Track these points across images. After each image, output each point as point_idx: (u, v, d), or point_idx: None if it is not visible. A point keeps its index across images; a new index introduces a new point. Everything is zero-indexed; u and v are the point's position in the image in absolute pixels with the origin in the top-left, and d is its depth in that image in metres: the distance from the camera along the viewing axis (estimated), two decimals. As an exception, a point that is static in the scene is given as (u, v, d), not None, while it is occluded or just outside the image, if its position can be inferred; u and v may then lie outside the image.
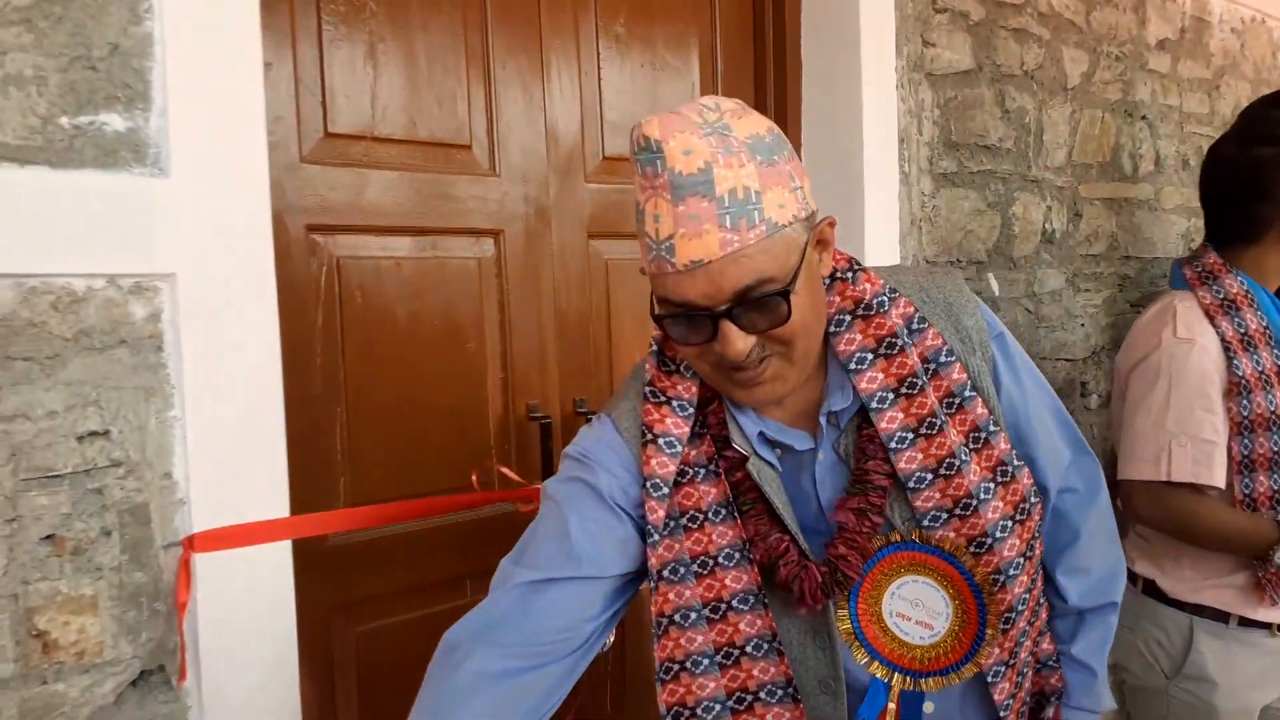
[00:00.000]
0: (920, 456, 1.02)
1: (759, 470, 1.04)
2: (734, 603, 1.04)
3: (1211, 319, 1.75)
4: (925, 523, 1.03)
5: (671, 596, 1.04)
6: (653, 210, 0.92)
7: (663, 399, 1.06)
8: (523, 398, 1.73)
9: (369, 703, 1.55)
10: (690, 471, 1.05)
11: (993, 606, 1.04)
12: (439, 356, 1.62)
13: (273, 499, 1.25)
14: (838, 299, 1.05)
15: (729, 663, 1.04)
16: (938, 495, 1.03)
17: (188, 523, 1.18)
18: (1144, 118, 2.78)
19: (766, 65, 2.05)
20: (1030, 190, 2.40)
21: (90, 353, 1.12)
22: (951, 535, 1.03)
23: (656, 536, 1.03)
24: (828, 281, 1.05)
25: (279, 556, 1.27)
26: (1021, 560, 1.05)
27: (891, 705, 1.05)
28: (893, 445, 1.02)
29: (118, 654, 1.15)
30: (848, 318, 1.05)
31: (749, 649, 1.04)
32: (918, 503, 1.03)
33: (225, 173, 1.20)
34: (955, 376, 1.04)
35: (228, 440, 1.20)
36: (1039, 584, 1.13)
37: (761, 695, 1.04)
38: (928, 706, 1.07)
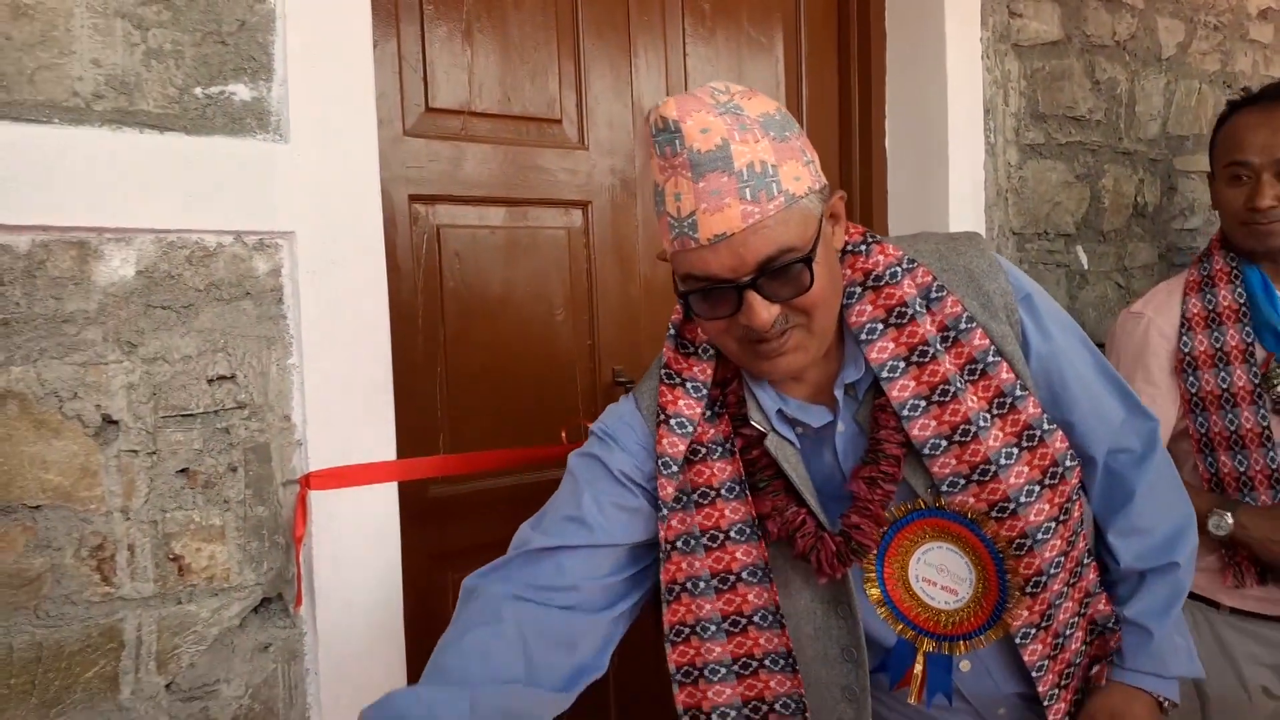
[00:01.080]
0: (934, 424, 1.04)
1: (777, 447, 1.07)
2: (743, 575, 1.08)
3: (1186, 295, 1.73)
4: (944, 488, 1.05)
5: (684, 565, 1.09)
6: (673, 189, 0.95)
7: (677, 380, 1.10)
8: (608, 362, 1.79)
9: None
10: (703, 450, 1.09)
11: (1013, 575, 1.05)
12: (530, 321, 1.70)
13: (381, 443, 1.34)
14: (849, 271, 1.07)
15: (736, 630, 1.09)
16: (954, 461, 1.04)
17: (304, 462, 1.28)
18: (1244, 89, 2.70)
19: (851, 38, 2.07)
20: (1121, 162, 2.36)
21: (219, 303, 1.22)
22: (971, 501, 1.04)
23: (665, 511, 1.08)
24: (840, 255, 1.07)
25: (387, 500, 1.36)
26: (1052, 524, 1.05)
27: (917, 668, 1.08)
28: (905, 413, 1.04)
29: (242, 580, 1.25)
30: (858, 290, 1.07)
31: (756, 619, 1.08)
32: (934, 469, 1.04)
33: (339, 140, 1.29)
34: (976, 343, 1.05)
35: (341, 387, 1.30)
36: (1080, 546, 1.12)
37: (765, 663, 1.09)
38: (964, 665, 1.10)
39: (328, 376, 1.29)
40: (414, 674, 1.40)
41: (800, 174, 0.96)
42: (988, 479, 1.04)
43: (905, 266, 1.07)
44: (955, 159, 2.01)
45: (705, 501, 1.09)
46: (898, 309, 1.06)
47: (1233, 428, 1.62)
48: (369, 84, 1.33)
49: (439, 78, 1.60)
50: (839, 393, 1.08)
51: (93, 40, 1.12)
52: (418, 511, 1.55)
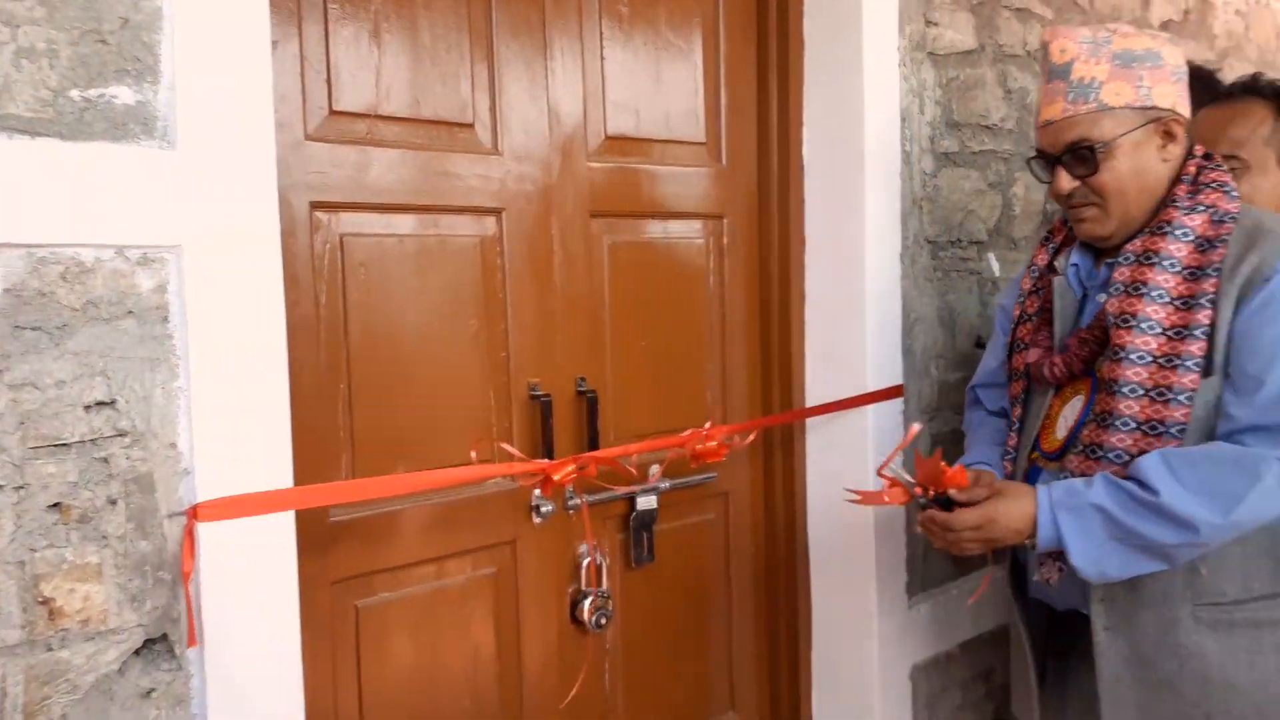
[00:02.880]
0: (1115, 304, 1.40)
1: (1059, 288, 1.53)
2: (1023, 372, 1.59)
3: None
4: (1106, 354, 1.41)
5: (1012, 361, 1.65)
6: (1039, 89, 1.49)
7: (1045, 239, 1.65)
8: (523, 376, 1.74)
9: (369, 674, 1.56)
10: (1035, 289, 1.61)
11: (1087, 436, 1.42)
12: (440, 334, 1.63)
13: (276, 471, 1.26)
14: (1178, 192, 1.41)
15: (1014, 404, 1.61)
16: (1110, 336, 1.39)
17: (192, 493, 1.19)
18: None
19: (769, 45, 2.05)
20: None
21: (98, 323, 1.13)
22: (1105, 369, 1.39)
23: (1014, 325, 1.64)
24: (1189, 180, 1.42)
25: (282, 529, 1.28)
26: (1133, 424, 1.35)
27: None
28: (1109, 291, 1.42)
29: (121, 622, 1.16)
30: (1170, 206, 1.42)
31: (1019, 401, 1.60)
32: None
33: (232, 146, 1.21)
34: (1204, 287, 1.34)
35: (232, 411, 1.22)
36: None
37: (1019, 428, 1.59)
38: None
39: (218, 400, 1.21)
40: (312, 712, 1.33)
41: (1122, 91, 1.38)
42: (1113, 359, 1.38)
43: (1213, 215, 1.38)
44: (871, 167, 2.01)
45: (1020, 321, 1.62)
46: (1165, 223, 1.40)
47: None
48: (266, 87, 1.24)
49: (344, 80, 1.51)
50: (1101, 268, 1.49)
51: (-51, 37, 1.02)
52: (317, 536, 1.47)
